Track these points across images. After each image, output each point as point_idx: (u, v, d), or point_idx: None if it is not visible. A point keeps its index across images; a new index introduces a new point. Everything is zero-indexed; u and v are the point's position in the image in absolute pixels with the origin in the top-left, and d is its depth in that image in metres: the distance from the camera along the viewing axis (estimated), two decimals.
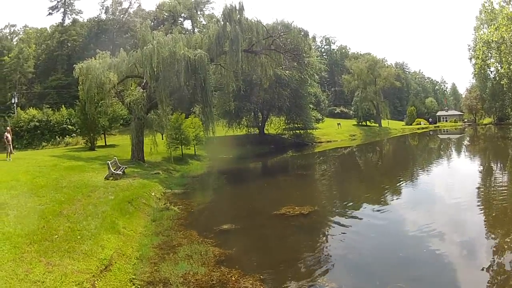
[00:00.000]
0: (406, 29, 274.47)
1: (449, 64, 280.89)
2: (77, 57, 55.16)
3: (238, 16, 31.77)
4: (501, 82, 62.68)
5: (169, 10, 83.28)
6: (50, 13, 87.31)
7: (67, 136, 52.66)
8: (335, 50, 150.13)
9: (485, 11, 56.94)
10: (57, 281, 8.29)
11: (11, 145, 29.30)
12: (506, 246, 11.59)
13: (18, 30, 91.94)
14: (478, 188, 21.73)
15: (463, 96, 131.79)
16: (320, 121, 72.52)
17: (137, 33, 37.60)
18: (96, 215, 13.50)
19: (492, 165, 32.97)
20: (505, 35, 43.31)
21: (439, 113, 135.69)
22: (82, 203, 14.94)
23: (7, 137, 28.88)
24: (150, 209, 17.59)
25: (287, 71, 50.08)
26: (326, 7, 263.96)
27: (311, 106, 66.09)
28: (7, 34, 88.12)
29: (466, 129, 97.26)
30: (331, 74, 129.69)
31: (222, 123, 53.81)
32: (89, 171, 24.07)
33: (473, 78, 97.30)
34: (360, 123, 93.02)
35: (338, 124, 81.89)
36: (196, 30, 78.24)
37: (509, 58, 48.82)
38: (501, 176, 26.94)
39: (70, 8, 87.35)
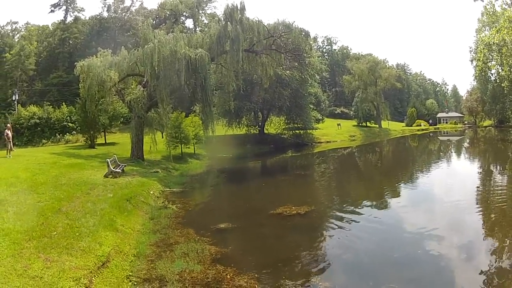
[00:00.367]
0: (408, 30, 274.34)
1: (450, 66, 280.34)
2: (78, 55, 55.22)
3: (240, 15, 31.84)
4: (502, 84, 62.64)
5: (170, 8, 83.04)
6: (52, 11, 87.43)
7: (67, 133, 52.84)
8: (337, 50, 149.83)
9: (487, 14, 56.94)
10: (55, 276, 8.40)
11: (11, 142, 29.42)
12: (503, 249, 11.68)
13: (20, 27, 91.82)
14: (477, 189, 21.86)
15: (464, 98, 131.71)
16: (320, 122, 72.51)
17: (139, 31, 37.78)
18: (94, 212, 13.64)
19: (492, 167, 33.10)
20: (506, 37, 43.26)
21: (439, 114, 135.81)
22: (81, 201, 15.09)
23: (7, 134, 29.01)
24: (148, 207, 17.69)
25: (287, 71, 50.22)
26: (329, 8, 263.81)
27: (311, 106, 66.09)
28: (9, 31, 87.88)
29: (466, 131, 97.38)
30: (332, 74, 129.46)
31: (222, 122, 53.84)
32: (88, 169, 24.20)
33: (474, 80, 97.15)
34: (360, 124, 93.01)
35: (338, 124, 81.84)
36: (197, 29, 78.10)
37: (510, 61, 48.80)
38: (500, 178, 27.03)
39: (72, 5, 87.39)
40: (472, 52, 73.38)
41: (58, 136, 52.74)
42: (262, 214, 17.18)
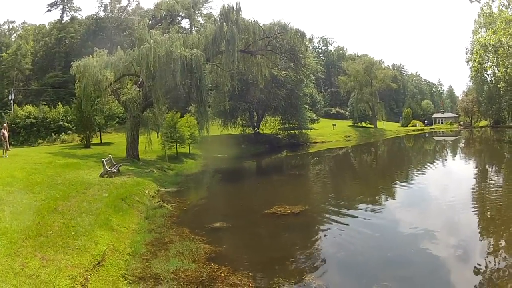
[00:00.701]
0: (404, 31, 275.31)
1: (446, 67, 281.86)
2: (74, 55, 55.34)
3: (235, 16, 31.91)
4: (498, 85, 62.81)
5: (167, 9, 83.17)
6: (48, 10, 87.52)
7: (62, 133, 52.77)
8: (332, 51, 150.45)
9: (484, 15, 57.14)
10: (51, 275, 8.47)
11: (7, 142, 29.39)
12: (498, 247, 11.78)
13: (17, 27, 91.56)
14: (472, 189, 21.83)
15: (460, 98, 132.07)
16: (316, 122, 72.80)
17: (135, 31, 37.70)
18: (90, 212, 13.72)
19: (487, 167, 33.20)
20: (503, 38, 43.38)
21: (435, 115, 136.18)
22: (77, 200, 15.17)
23: (3, 133, 28.98)
24: (143, 207, 17.76)
25: (283, 72, 50.41)
26: (325, 9, 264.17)
27: (307, 106, 66.37)
28: (6, 31, 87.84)
29: (461, 131, 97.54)
30: (327, 75, 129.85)
31: (217, 122, 53.95)
32: (84, 168, 24.29)
33: (470, 81, 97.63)
34: (356, 124, 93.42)
35: (334, 125, 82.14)
36: (194, 29, 78.25)
37: (507, 62, 49.03)
38: (496, 178, 27.18)
39: (68, 5, 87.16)
40: (468, 53, 73.52)
41: (54, 136, 52.69)
42: (256, 213, 17.30)
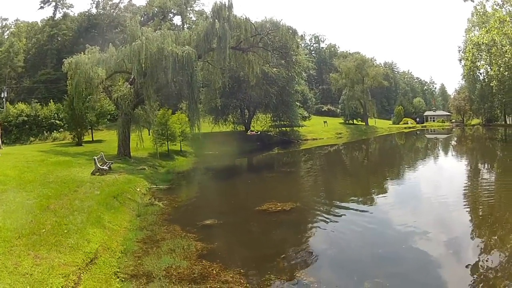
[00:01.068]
0: (396, 29, 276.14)
1: (438, 65, 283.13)
2: (66, 52, 55.17)
3: (227, 13, 31.89)
4: (491, 84, 63.77)
5: (159, 5, 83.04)
6: (41, 7, 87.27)
7: (54, 131, 52.60)
8: (324, 48, 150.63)
9: (477, 14, 57.72)
10: (44, 273, 8.51)
11: (0, 140, 29.31)
12: (489, 244, 11.90)
13: (10, 24, 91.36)
14: (464, 186, 22.04)
15: (452, 96, 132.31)
16: (307, 119, 72.91)
17: (127, 28, 37.59)
18: (82, 209, 13.74)
19: (479, 165, 33.41)
20: (496, 37, 43.85)
21: (426, 113, 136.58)
22: (69, 198, 15.20)
23: None
24: (135, 204, 17.82)
25: (274, 69, 50.53)
26: (317, 6, 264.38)
27: (298, 103, 66.48)
28: None
29: (453, 129, 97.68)
30: (319, 72, 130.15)
31: (209, 119, 54.10)
32: (75, 166, 24.30)
33: (462, 79, 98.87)
34: (347, 122, 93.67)
35: (325, 122, 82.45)
36: (185, 26, 78.26)
37: (499, 61, 49.55)
38: (487, 175, 27.47)
39: (61, 2, 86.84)
40: (461, 52, 74.60)
41: (46, 134, 52.51)
42: (247, 210, 17.44)
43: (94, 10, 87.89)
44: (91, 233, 11.74)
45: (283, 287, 9.62)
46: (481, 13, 55.70)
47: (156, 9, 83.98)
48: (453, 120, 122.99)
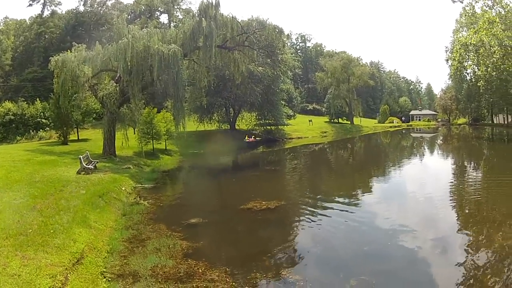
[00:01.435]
0: (383, 29, 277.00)
1: (424, 65, 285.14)
2: (53, 50, 54.54)
3: (214, 12, 31.88)
4: (478, 84, 64.44)
5: (146, 3, 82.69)
6: (30, 4, 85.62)
7: (40, 130, 52.04)
8: (310, 47, 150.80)
9: (466, 15, 58.24)
10: (32, 274, 8.57)
11: None
12: (475, 241, 12.15)
13: None
14: (450, 184, 22.49)
15: (438, 96, 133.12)
16: (292, 118, 73.15)
17: (114, 26, 37.38)
18: (68, 209, 13.80)
19: (465, 163, 34.07)
20: (485, 38, 44.33)
21: (412, 112, 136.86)
22: (55, 198, 15.23)
23: None
24: (120, 204, 17.90)
25: (260, 68, 50.65)
26: (304, 5, 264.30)
27: (283, 102, 66.68)
28: None
29: (439, 128, 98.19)
30: (305, 71, 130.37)
31: (194, 118, 54.08)
32: (61, 165, 24.24)
33: (449, 79, 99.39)
34: (332, 121, 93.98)
35: (310, 121, 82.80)
36: (172, 24, 77.96)
37: (487, 61, 50.09)
38: (474, 173, 27.91)
39: None
40: (448, 52, 74.98)
41: (32, 133, 51.92)
42: (232, 209, 17.58)
43: (81, 8, 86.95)
44: (77, 233, 11.80)
45: (269, 286, 9.76)
46: (469, 14, 56.12)
47: (143, 7, 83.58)
48: (439, 119, 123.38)
